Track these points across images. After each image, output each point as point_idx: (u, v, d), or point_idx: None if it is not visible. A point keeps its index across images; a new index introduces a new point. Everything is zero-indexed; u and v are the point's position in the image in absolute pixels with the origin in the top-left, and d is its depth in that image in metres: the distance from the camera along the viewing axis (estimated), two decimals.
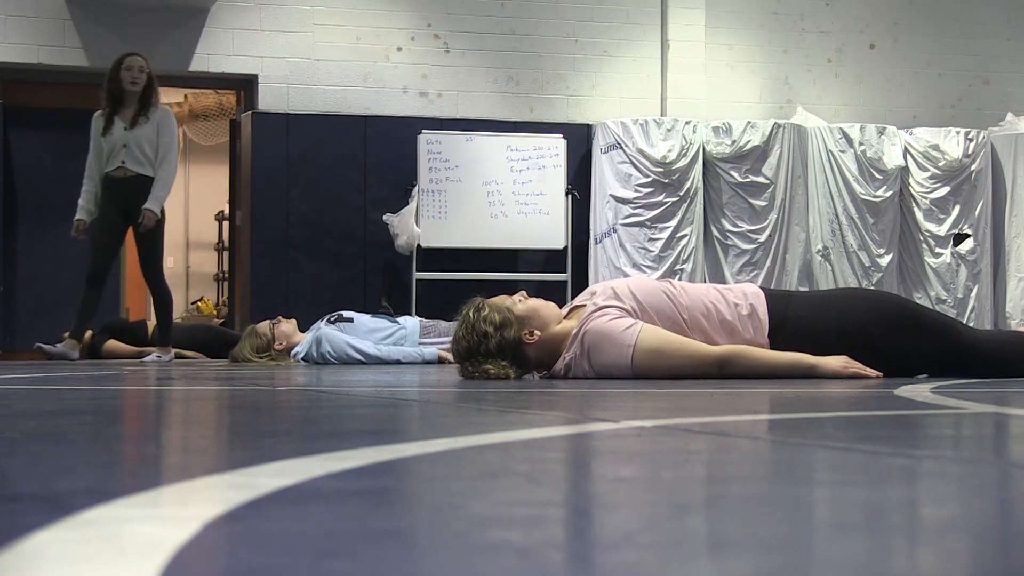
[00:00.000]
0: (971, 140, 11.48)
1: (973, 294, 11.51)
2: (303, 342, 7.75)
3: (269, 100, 10.93)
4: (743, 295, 4.68)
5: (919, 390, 3.52)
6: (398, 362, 7.53)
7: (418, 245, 10.59)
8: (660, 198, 10.75)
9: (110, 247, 8.55)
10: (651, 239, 10.73)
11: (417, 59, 11.21)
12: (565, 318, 4.71)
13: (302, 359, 7.66)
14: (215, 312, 15.58)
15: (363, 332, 7.78)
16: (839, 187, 11.16)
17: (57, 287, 10.94)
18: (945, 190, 11.44)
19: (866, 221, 11.18)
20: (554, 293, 10.20)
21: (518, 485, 1.41)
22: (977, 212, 11.52)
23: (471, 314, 4.58)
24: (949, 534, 1.08)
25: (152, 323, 10.49)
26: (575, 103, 11.51)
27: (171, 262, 16.92)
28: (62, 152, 10.99)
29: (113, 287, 11.15)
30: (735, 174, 10.90)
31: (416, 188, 10.61)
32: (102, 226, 8.43)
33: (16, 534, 1.01)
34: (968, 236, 11.54)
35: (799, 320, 4.61)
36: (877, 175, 11.19)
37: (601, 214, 10.89)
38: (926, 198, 11.43)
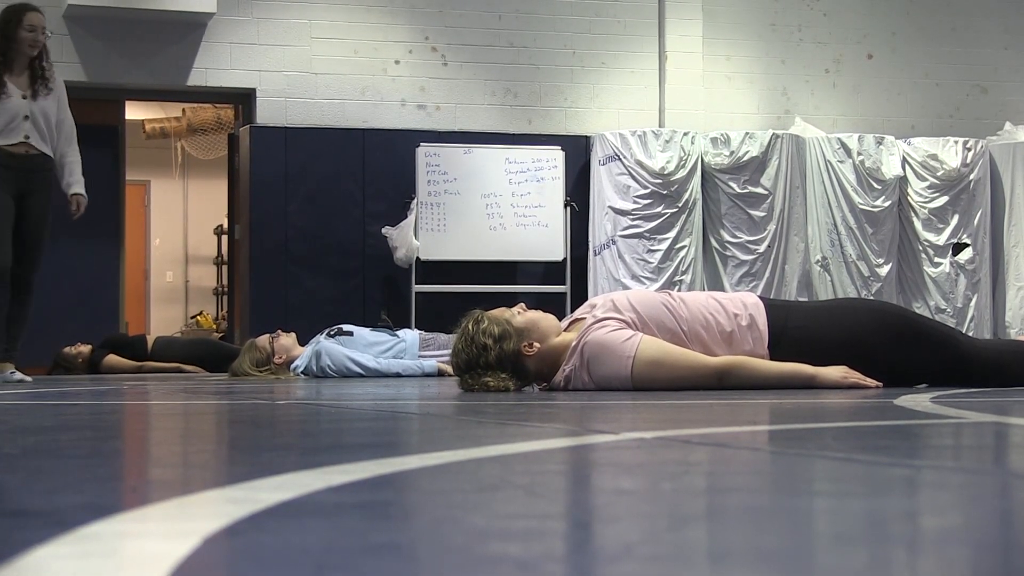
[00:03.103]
0: (969, 149, 11.48)
1: (972, 303, 11.51)
2: (303, 356, 7.74)
3: (267, 114, 10.93)
4: (742, 306, 4.68)
5: (919, 400, 3.52)
6: (398, 375, 7.53)
7: (417, 258, 10.59)
8: (659, 209, 10.75)
9: (9, 237, 7.07)
10: (650, 250, 10.73)
11: (415, 72, 11.22)
12: (565, 331, 4.71)
13: (302, 373, 7.66)
14: (214, 326, 15.57)
15: (363, 345, 7.78)
16: (838, 197, 11.16)
17: (56, 303, 10.91)
18: (944, 200, 11.44)
19: (865, 231, 11.18)
20: (553, 305, 10.18)
21: (518, 498, 1.41)
22: (976, 221, 11.52)
23: (470, 327, 4.58)
24: (949, 544, 1.08)
25: (152, 337, 10.49)
26: (573, 115, 11.52)
27: (170, 276, 16.94)
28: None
29: (112, 300, 11.15)
30: (734, 185, 10.90)
31: (415, 201, 10.61)
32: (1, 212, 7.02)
33: (16, 549, 1.01)
34: (967, 246, 11.54)
35: (798, 330, 4.61)
36: (876, 185, 11.20)
37: (600, 226, 10.89)
38: (925, 208, 11.43)
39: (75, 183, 7.21)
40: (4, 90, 7.01)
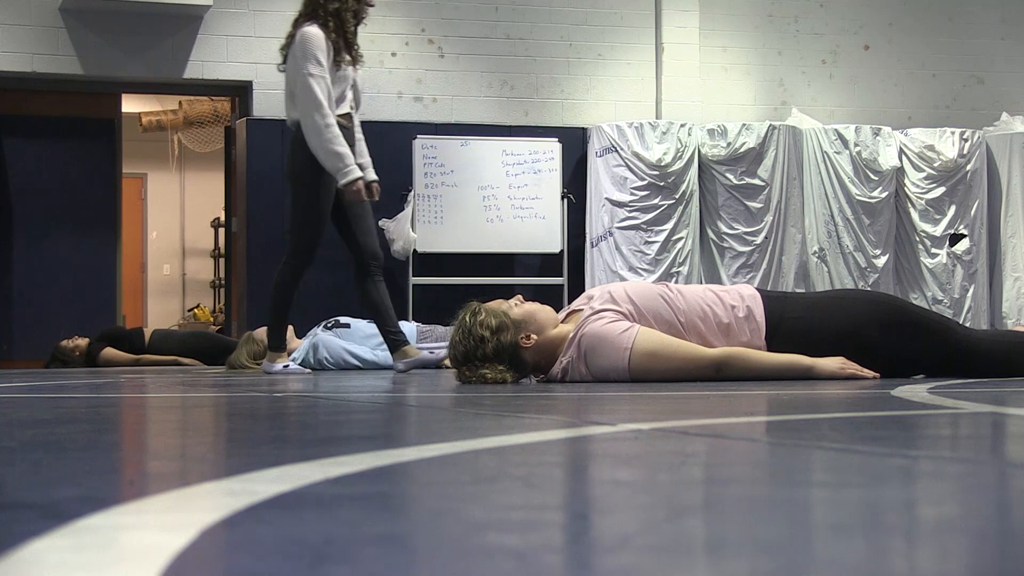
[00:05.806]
0: (966, 140, 11.49)
1: (969, 294, 11.52)
2: (300, 348, 7.74)
3: (264, 106, 10.92)
4: (740, 297, 4.68)
5: (916, 390, 3.52)
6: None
7: (414, 250, 10.59)
8: (656, 201, 10.75)
9: (326, 220, 6.74)
10: (647, 242, 10.73)
11: (411, 64, 11.21)
12: (563, 322, 4.71)
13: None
14: (212, 319, 15.56)
15: (360, 338, 7.77)
16: (835, 188, 11.16)
17: (53, 296, 10.93)
18: (940, 190, 11.44)
19: (862, 222, 11.18)
20: (550, 297, 10.19)
21: (515, 489, 1.41)
22: (973, 212, 11.53)
23: (467, 319, 4.58)
24: (946, 534, 1.08)
25: (149, 330, 10.48)
26: (570, 107, 11.51)
27: (167, 269, 16.95)
28: (57, 161, 10.99)
29: (109, 293, 11.14)
30: (731, 176, 10.90)
31: (412, 193, 10.61)
32: (327, 190, 6.63)
33: (13, 542, 1.01)
34: (964, 236, 11.54)
35: (796, 322, 4.61)
36: (872, 176, 11.20)
37: (597, 217, 10.89)
38: (922, 199, 11.43)
39: (369, 166, 6.85)
40: (342, 56, 6.58)
